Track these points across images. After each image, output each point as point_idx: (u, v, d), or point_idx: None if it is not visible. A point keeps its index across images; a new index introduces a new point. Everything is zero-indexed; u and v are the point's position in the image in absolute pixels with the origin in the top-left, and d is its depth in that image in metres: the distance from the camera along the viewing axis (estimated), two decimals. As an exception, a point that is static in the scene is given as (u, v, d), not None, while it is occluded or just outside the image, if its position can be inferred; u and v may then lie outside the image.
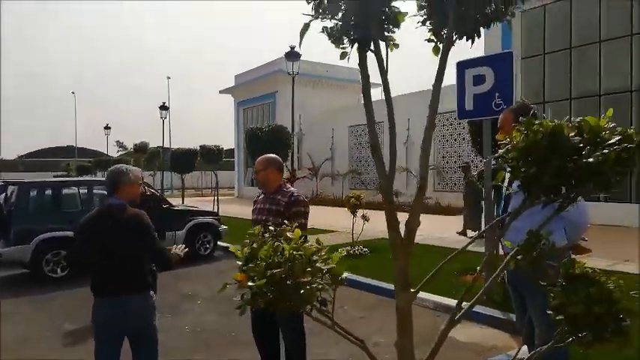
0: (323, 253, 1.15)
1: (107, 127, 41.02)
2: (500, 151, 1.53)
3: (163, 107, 29.14)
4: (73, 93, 49.26)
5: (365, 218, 9.00)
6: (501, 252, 2.81)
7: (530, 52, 14.49)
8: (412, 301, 1.50)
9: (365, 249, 9.12)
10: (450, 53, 1.72)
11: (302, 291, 1.09)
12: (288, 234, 1.23)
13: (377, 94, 30.84)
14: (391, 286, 6.42)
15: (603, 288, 1.27)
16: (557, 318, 1.34)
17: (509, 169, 1.40)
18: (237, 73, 32.73)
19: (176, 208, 9.70)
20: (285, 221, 1.41)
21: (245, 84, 30.97)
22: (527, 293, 2.81)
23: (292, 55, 14.30)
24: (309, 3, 1.32)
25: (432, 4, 1.70)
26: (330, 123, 26.72)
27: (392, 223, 1.40)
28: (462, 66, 6.22)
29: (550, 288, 1.39)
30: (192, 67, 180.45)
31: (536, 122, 1.35)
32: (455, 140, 21.21)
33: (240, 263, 1.21)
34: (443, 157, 21.62)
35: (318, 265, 1.10)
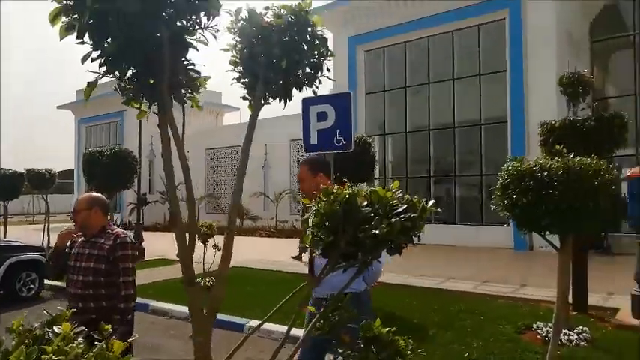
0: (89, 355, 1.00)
1: None
2: (306, 214, 1.57)
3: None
4: None
5: (217, 248, 8.75)
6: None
7: (373, 89, 15.86)
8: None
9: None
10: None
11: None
12: (56, 329, 1.06)
13: (233, 118, 30.68)
14: (244, 320, 6.36)
15: (393, 348, 1.35)
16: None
17: (310, 235, 1.45)
18: (79, 88, 29.84)
19: (-7, 245, 8.30)
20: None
21: (88, 100, 28.27)
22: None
23: (141, 74, 13.48)
24: (92, 61, 1.19)
25: (246, 65, 1.70)
26: (185, 146, 25.68)
27: (193, 302, 1.31)
28: (307, 102, 6.49)
29: (349, 353, 1.44)
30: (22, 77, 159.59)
31: (333, 192, 1.42)
32: (309, 165, 22.03)
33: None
34: (298, 182, 22.29)
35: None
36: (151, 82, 1.26)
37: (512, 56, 12.81)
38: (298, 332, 4.50)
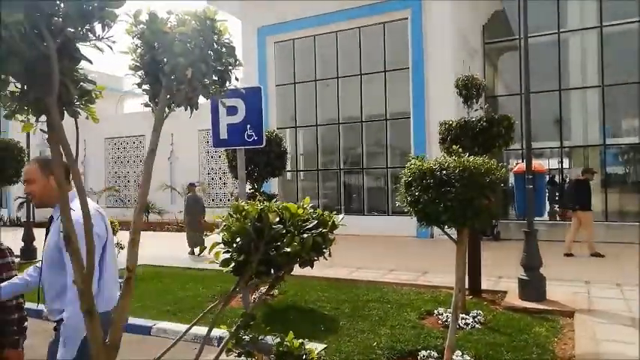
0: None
1: None
2: (216, 230, 1.53)
3: None
4: None
5: (120, 246, 8.24)
6: None
7: (283, 81, 15.83)
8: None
9: (120, 279, 8.33)
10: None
11: None
12: None
13: (135, 105, 29.06)
14: (142, 321, 6.08)
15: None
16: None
17: (223, 254, 1.41)
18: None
19: None
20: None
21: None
22: None
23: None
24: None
25: (147, 71, 1.60)
26: (81, 134, 23.78)
27: (92, 324, 1.21)
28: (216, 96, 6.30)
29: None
30: None
31: (244, 208, 1.39)
32: (220, 157, 21.54)
33: None
34: (208, 174, 21.70)
35: None
36: (36, 95, 1.13)
37: (414, 55, 13.48)
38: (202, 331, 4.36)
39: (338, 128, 15.24)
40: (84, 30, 1.12)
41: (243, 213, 1.38)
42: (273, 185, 13.74)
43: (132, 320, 5.95)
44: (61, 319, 2.26)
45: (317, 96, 15.55)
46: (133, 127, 22.48)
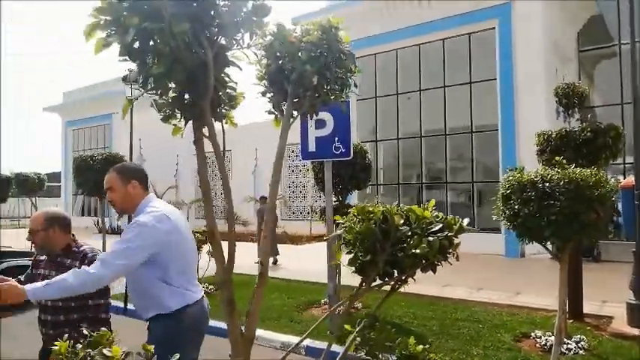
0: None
1: None
2: (338, 231, 1.56)
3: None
4: None
5: (211, 254, 8.67)
6: None
7: (365, 95, 15.92)
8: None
9: (211, 286, 8.77)
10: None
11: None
12: (106, 352, 1.04)
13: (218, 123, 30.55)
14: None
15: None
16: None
17: (348, 254, 1.44)
18: (66, 90, 29.50)
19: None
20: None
21: (76, 102, 27.98)
22: None
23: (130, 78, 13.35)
24: (126, 83, 1.17)
25: (272, 80, 1.69)
26: (174, 149, 25.54)
27: (231, 316, 1.29)
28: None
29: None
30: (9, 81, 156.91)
31: (369, 209, 1.42)
32: (300, 171, 22.04)
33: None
34: (289, 187, 22.26)
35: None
36: (192, 100, 1.24)
37: (502, 65, 12.97)
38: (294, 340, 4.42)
39: (420, 142, 14.99)
40: (235, 39, 1.21)
41: (369, 214, 1.40)
42: (353, 199, 13.77)
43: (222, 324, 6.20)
44: (154, 317, 2.39)
45: (398, 109, 15.44)
46: (220, 142, 23.70)
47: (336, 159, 6.41)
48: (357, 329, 1.45)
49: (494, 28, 13.20)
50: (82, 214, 27.47)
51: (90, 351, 1.12)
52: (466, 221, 1.40)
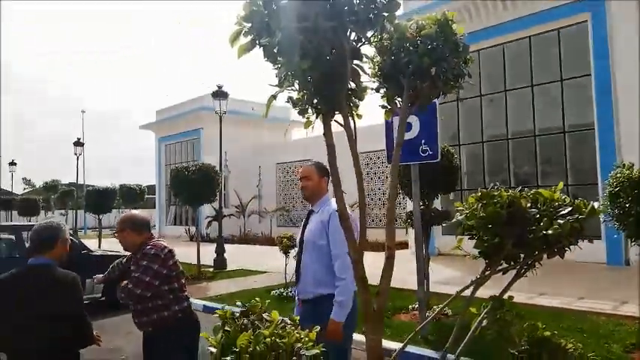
0: (306, 339, 1.10)
1: (12, 164, 37.63)
2: (459, 217, 1.60)
3: (78, 143, 27.30)
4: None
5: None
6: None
7: (446, 99, 15.58)
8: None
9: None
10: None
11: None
12: (265, 316, 1.17)
13: (302, 133, 31.28)
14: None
15: (567, 355, 1.34)
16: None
17: (469, 237, 1.47)
18: (159, 108, 31.88)
19: (96, 254, 9.03)
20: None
21: (168, 120, 30.15)
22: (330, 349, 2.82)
23: (219, 94, 14.17)
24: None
25: (387, 75, 1.78)
26: (257, 160, 26.61)
27: (364, 292, 1.38)
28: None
29: (513, 353, 1.44)
30: (108, 101, 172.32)
31: (495, 193, 1.44)
32: (379, 178, 21.98)
33: (213, 350, 1.13)
34: (367, 194, 22.26)
35: (303, 353, 1.05)
36: (328, 92, 1.36)
37: (597, 60, 12.12)
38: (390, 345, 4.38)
39: (507, 144, 14.36)
40: (366, 34, 1.31)
41: (493, 199, 1.42)
42: (436, 205, 13.47)
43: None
44: (325, 295, 2.67)
45: (482, 112, 14.93)
46: (300, 153, 24.35)
47: (423, 162, 6.36)
48: (485, 311, 1.47)
49: (586, 21, 12.39)
50: (175, 223, 29.33)
51: (249, 317, 1.25)
52: (597, 204, 1.37)
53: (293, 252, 9.13)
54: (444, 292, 8.25)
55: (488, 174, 14.98)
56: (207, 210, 22.07)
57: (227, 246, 13.60)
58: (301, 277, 2.89)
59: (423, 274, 6.40)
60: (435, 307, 7.01)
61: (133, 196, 14.08)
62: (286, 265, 9.05)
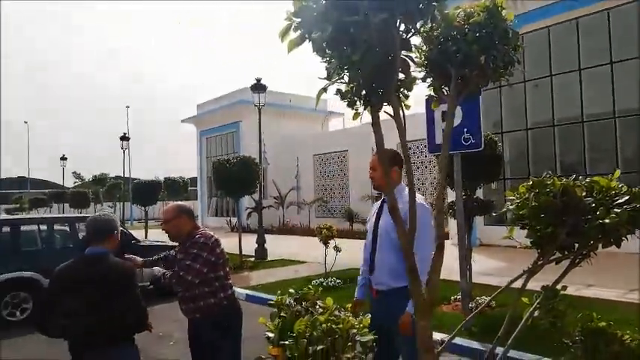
0: (361, 325, 1.13)
1: (63, 158, 39.48)
2: (510, 206, 1.58)
3: (124, 138, 28.34)
4: (25, 122, 47.16)
5: (337, 249, 8.99)
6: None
7: (488, 85, 15.15)
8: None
9: (338, 280, 9.08)
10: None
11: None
12: (320, 303, 1.21)
13: (338, 124, 31.25)
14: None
15: (624, 346, 1.31)
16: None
17: (520, 226, 1.46)
18: (199, 102, 32.56)
19: (143, 244, 9.40)
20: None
21: (208, 113, 30.77)
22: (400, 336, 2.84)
23: (258, 87, 14.35)
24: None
25: (434, 64, 1.77)
26: (294, 152, 26.81)
27: (414, 283, 1.40)
28: (431, 101, 6.42)
29: (567, 343, 1.42)
30: (152, 96, 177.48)
31: (547, 182, 1.42)
32: (418, 168, 21.71)
33: (271, 335, 1.18)
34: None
35: (357, 339, 1.09)
36: (378, 84, 1.37)
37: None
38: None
39: (553, 131, 13.86)
40: (416, 25, 1.32)
41: (546, 187, 1.40)
42: (478, 195, 13.19)
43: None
44: (402, 287, 2.62)
45: (526, 98, 14.44)
46: (337, 144, 24.36)
47: (466, 151, 6.24)
48: (537, 301, 1.46)
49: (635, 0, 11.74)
50: (216, 215, 30.02)
51: (302, 305, 1.29)
52: (657, 192, 1.33)
53: (332, 242, 9.19)
54: (486, 283, 8.13)
55: (533, 162, 14.52)
56: (246, 201, 22.47)
57: (267, 236, 13.83)
58: (376, 267, 2.88)
59: (465, 265, 6.32)
60: (477, 298, 6.92)
61: (177, 188, 14.51)
62: (326, 255, 9.12)
